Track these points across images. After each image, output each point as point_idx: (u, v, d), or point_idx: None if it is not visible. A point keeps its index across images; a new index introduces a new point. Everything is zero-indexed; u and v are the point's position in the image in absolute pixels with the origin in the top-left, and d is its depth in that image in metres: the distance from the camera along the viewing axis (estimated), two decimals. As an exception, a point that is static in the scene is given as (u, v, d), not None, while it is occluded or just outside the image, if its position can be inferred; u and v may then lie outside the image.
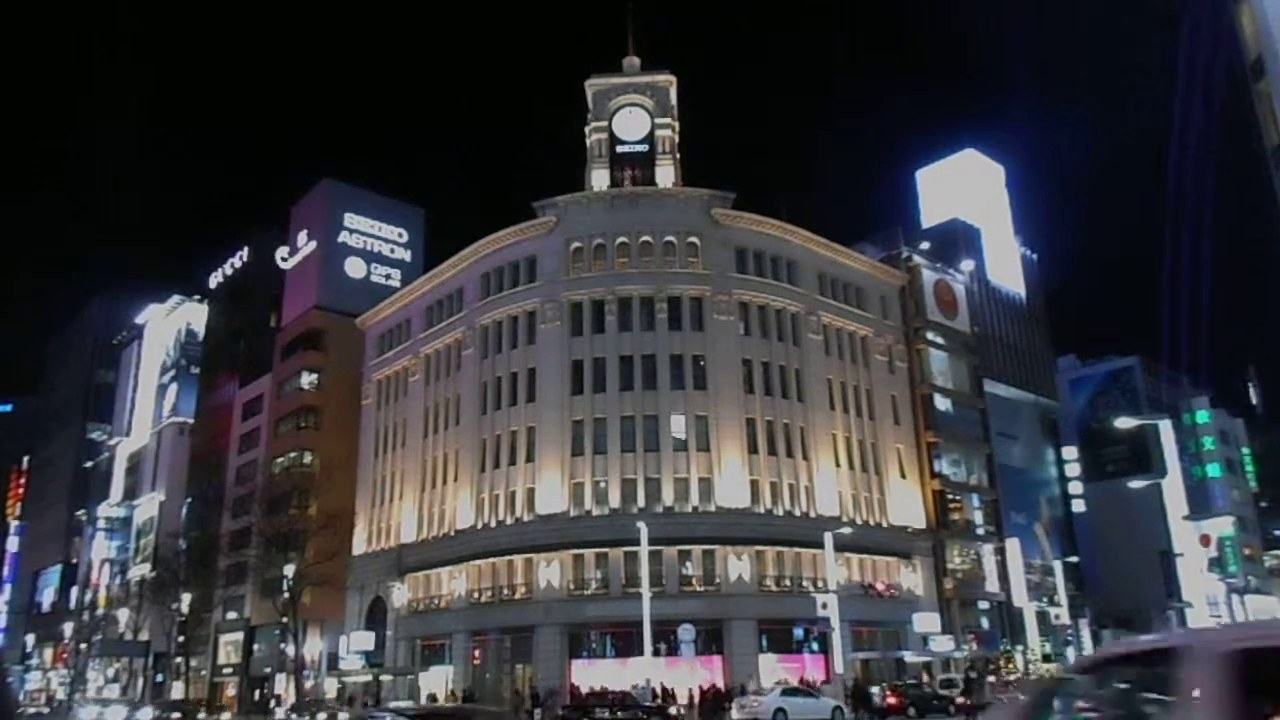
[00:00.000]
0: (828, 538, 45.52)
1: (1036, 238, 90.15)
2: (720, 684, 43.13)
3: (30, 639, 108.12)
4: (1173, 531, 68.82)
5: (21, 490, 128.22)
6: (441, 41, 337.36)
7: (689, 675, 43.87)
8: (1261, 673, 5.16)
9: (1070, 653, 63.44)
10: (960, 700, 38.24)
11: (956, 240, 73.93)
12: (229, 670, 73.12)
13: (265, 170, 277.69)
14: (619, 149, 58.50)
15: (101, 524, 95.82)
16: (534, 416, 51.39)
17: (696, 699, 41.12)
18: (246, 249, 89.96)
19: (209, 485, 79.69)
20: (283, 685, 61.33)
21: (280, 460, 70.01)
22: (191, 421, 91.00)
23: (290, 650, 56.50)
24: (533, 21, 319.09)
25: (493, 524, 51.21)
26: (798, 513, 50.75)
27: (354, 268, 76.86)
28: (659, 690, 40.33)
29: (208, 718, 60.57)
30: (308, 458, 68.25)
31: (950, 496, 60.63)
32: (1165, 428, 67.92)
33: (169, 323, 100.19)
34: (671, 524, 46.82)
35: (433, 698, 47.90)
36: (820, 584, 47.27)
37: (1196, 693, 5.20)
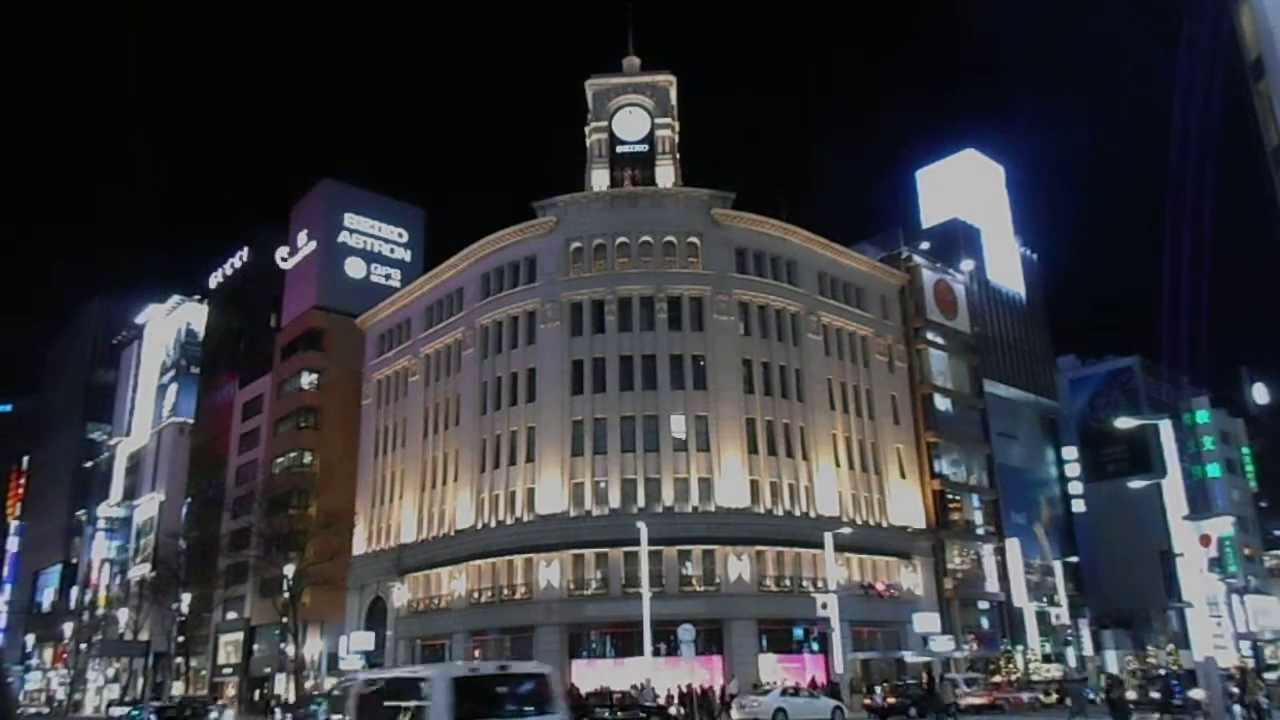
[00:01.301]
0: (828, 538, 45.49)
1: (1036, 238, 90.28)
2: (700, 685, 42.62)
3: (30, 639, 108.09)
4: (1173, 531, 68.68)
5: (21, 490, 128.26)
6: (442, 42, 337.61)
7: (689, 675, 43.82)
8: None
9: (1070, 652, 63.50)
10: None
11: (956, 240, 73.98)
12: (229, 670, 73.12)
13: (265, 170, 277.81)
14: (619, 149, 58.50)
15: (101, 524, 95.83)
16: (534, 416, 51.37)
17: (677, 699, 40.34)
18: (246, 249, 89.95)
19: (209, 485, 79.70)
20: (283, 685, 61.33)
21: (280, 460, 70.03)
22: (191, 421, 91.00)
23: (290, 650, 56.48)
24: (533, 22, 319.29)
25: (493, 524, 51.20)
26: (798, 513, 50.72)
27: (354, 268, 76.88)
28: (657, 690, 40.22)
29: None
30: (308, 458, 68.27)
31: (950, 496, 60.60)
32: (1165, 428, 67.77)
33: (169, 323, 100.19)
34: (671, 524, 46.80)
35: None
36: (820, 584, 47.26)
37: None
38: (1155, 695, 35.96)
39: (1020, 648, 61.16)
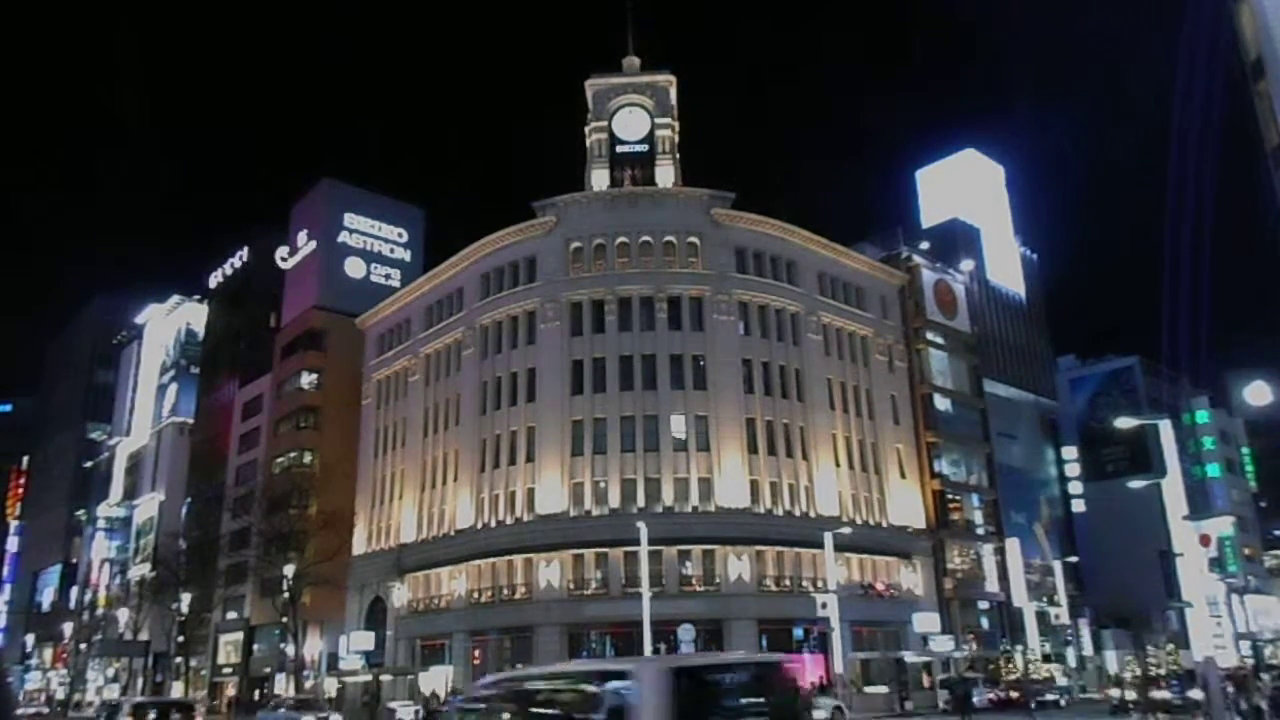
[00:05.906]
0: (828, 538, 45.48)
1: (1036, 238, 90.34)
2: None
3: (30, 639, 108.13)
4: (1173, 531, 68.66)
5: (21, 490, 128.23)
6: (442, 41, 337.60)
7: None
8: None
9: (1070, 652, 63.55)
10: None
11: (956, 240, 73.99)
12: (229, 670, 73.08)
13: (265, 170, 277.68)
14: (619, 149, 58.47)
15: (101, 524, 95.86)
16: (534, 416, 51.36)
17: None
18: (246, 249, 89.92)
19: (209, 485, 79.66)
20: (283, 685, 61.33)
21: (280, 460, 70.01)
22: (191, 421, 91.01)
23: (290, 650, 56.49)
24: (534, 21, 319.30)
25: (493, 524, 51.19)
26: (798, 513, 50.72)
27: (354, 268, 76.85)
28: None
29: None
30: (308, 458, 68.23)
31: (950, 496, 60.59)
32: (1165, 428, 67.80)
33: (169, 323, 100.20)
34: (671, 524, 46.78)
35: (435, 697, 47.81)
36: (820, 584, 47.24)
37: None
38: (1163, 695, 36.19)
39: (1020, 648, 61.14)
